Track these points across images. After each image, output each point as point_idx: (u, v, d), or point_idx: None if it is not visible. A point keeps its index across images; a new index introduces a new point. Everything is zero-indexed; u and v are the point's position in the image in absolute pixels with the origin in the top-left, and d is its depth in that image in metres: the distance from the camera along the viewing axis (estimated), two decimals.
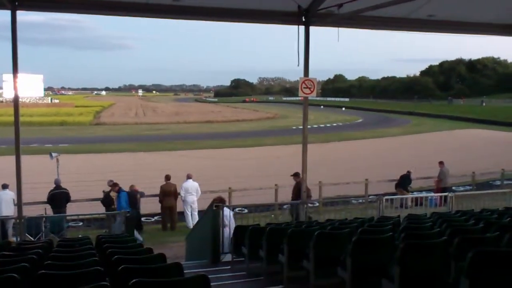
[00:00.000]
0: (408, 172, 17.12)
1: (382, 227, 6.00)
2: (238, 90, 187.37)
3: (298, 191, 12.92)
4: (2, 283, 3.34)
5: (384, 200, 10.42)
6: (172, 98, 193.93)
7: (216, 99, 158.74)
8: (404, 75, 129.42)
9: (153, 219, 16.02)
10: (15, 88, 8.10)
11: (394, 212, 10.02)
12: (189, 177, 15.36)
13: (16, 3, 7.79)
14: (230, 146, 37.02)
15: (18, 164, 7.97)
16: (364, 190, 17.51)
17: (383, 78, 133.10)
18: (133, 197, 14.08)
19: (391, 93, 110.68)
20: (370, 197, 15.39)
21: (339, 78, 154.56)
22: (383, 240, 5.13)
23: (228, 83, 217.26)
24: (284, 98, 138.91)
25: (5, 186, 12.20)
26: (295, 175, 13.16)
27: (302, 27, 9.40)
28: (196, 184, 15.23)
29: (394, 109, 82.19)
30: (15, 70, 7.93)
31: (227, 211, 8.94)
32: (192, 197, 15.03)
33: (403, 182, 16.69)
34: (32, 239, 9.83)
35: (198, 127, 56.12)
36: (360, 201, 15.59)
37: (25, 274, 3.66)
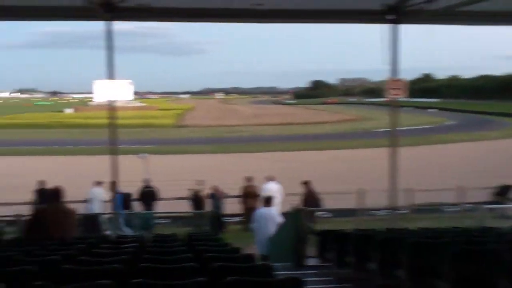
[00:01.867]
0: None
1: (485, 237, 5.68)
2: (317, 91, 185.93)
3: (307, 199, 12.76)
4: (107, 272, 3.60)
5: (484, 209, 9.83)
6: (250, 100, 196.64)
7: (294, 101, 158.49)
8: (502, 73, 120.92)
9: (234, 219, 16.36)
10: (109, 93, 8.67)
11: (495, 223, 9.43)
12: (271, 179, 15.46)
13: (112, 15, 8.32)
14: (311, 148, 36.83)
15: (113, 164, 8.54)
16: (458, 198, 16.61)
17: (478, 77, 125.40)
18: (217, 198, 14.55)
19: (487, 93, 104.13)
20: (466, 205, 14.59)
21: (427, 77, 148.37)
22: (488, 252, 4.85)
23: (306, 85, 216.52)
24: (366, 100, 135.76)
25: (98, 184, 13.08)
26: (305, 183, 12.99)
27: (389, 25, 9.15)
28: (278, 187, 15.30)
29: (490, 110, 77.15)
30: (110, 76, 8.51)
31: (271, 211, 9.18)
32: (275, 199, 15.11)
33: (502, 192, 15.63)
34: (126, 233, 10.46)
35: (278, 129, 56.41)
36: (455, 209, 14.83)
37: (127, 265, 3.91)
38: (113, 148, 8.65)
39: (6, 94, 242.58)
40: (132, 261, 4.24)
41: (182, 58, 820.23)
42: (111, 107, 8.96)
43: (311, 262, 8.35)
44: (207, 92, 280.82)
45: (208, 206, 14.28)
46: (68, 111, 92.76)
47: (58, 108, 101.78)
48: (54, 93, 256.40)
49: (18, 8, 8.15)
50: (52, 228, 6.37)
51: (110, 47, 8.41)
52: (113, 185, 13.38)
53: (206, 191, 14.55)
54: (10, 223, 10.09)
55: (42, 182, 14.06)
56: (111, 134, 8.70)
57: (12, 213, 10.66)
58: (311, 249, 8.61)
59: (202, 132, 53.87)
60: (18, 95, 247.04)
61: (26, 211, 12.99)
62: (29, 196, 14.03)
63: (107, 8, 8.05)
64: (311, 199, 13.09)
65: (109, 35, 8.37)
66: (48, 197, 6.73)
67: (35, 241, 5.93)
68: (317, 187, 17.78)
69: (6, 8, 8.21)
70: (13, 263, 3.96)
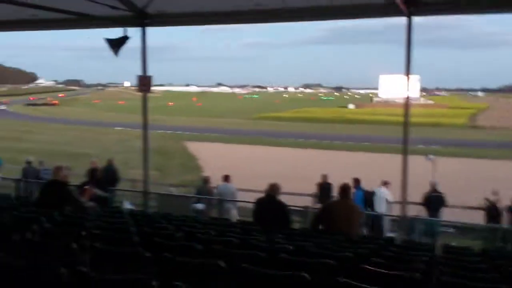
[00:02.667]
0: None
1: None
2: None
3: None
4: (401, 279, 3.61)
5: None
6: None
7: None
8: None
9: None
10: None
11: None
12: None
13: (414, 9, 8.29)
14: None
15: (404, 163, 8.58)
16: None
17: None
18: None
19: None
20: None
21: None
22: None
23: None
24: None
25: (385, 184, 13.35)
26: None
27: None
28: None
29: None
30: (407, 73, 8.57)
31: None
32: None
33: None
34: (409, 239, 10.39)
35: None
36: None
37: (422, 275, 3.85)
38: (404, 147, 8.71)
39: (292, 89, 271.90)
40: (426, 271, 4.16)
41: (478, 52, 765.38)
42: (404, 104, 9.04)
43: None
44: (509, 90, 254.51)
45: (505, 220, 12.98)
46: (351, 106, 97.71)
47: (341, 104, 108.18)
48: (338, 89, 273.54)
49: (321, 8, 8.90)
50: (339, 223, 6.79)
51: (409, 43, 8.49)
52: (356, 183, 13.47)
53: (504, 203, 13.24)
54: (297, 213, 11.12)
55: (324, 176, 15.18)
56: (403, 132, 8.78)
57: (300, 204, 11.79)
58: None
59: (499, 135, 49.35)
60: (304, 90, 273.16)
61: (311, 202, 14.38)
62: (312, 188, 15.33)
63: (409, 3, 8.10)
64: None
65: (408, 31, 8.45)
66: (339, 193, 7.16)
67: (322, 234, 6.42)
68: None
69: (308, 9, 9.07)
70: (308, 254, 4.35)
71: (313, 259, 3.95)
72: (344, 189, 7.12)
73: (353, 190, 14.27)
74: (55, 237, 4.59)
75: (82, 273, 2.94)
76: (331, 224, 6.91)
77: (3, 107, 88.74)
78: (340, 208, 6.93)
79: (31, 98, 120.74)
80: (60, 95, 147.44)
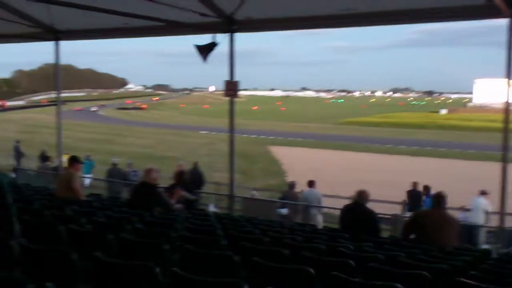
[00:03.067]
0: None
1: None
2: None
3: None
4: None
5: None
6: None
7: None
8: None
9: None
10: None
11: None
12: None
13: None
14: None
15: (504, 172, 8.15)
16: None
17: None
18: None
19: None
20: None
21: None
22: None
23: None
24: None
25: (483, 193, 12.73)
26: None
27: None
28: None
29: None
30: (508, 76, 8.14)
31: None
32: None
33: None
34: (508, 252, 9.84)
35: None
36: None
37: None
38: (504, 154, 8.25)
39: (380, 93, 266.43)
40: None
41: None
42: (504, 110, 8.58)
43: None
44: None
45: None
46: (443, 112, 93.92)
47: (432, 108, 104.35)
48: (428, 93, 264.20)
49: (417, 11, 8.64)
50: (430, 233, 6.52)
51: (510, 45, 8.08)
52: (426, 190, 13.48)
53: None
54: (386, 220, 10.84)
55: (414, 184, 14.71)
56: (503, 139, 8.33)
57: (388, 212, 11.52)
58: None
59: None
60: (392, 94, 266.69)
61: (400, 210, 13.98)
62: (401, 195, 14.90)
63: (511, 3, 7.71)
64: None
65: (510, 32, 8.05)
66: (432, 202, 6.92)
67: (413, 244, 6.21)
68: None
69: (404, 12, 8.81)
70: (400, 265, 4.24)
71: (406, 270, 3.83)
72: (438, 198, 6.84)
73: (423, 197, 13.90)
74: (147, 237, 4.79)
75: (176, 273, 3.06)
76: (422, 234, 6.67)
77: (95, 108, 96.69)
78: (432, 218, 6.66)
79: (127, 102, 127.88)
80: (154, 99, 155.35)
